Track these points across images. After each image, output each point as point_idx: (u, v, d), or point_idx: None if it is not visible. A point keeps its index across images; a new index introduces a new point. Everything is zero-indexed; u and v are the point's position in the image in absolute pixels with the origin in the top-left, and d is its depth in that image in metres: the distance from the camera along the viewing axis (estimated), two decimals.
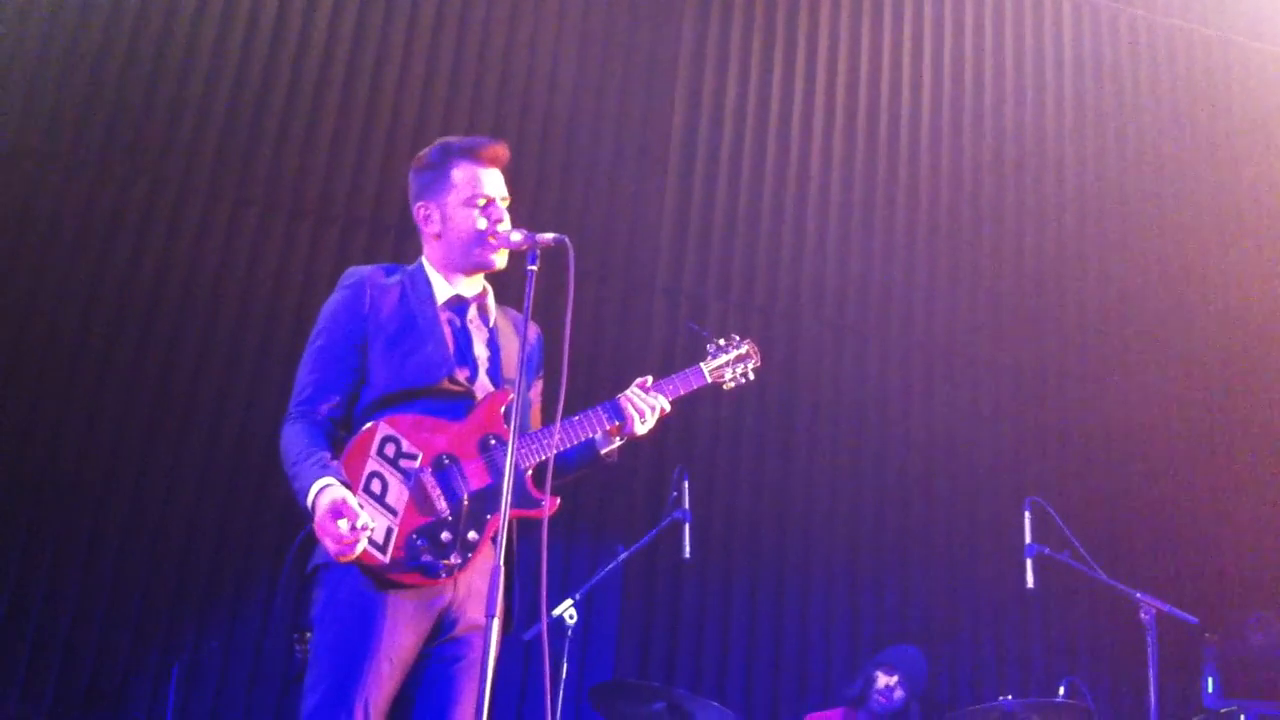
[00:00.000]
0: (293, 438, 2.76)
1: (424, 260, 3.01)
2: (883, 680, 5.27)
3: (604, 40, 6.63)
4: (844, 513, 6.43)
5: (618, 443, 2.99)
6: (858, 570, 6.38)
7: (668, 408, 2.99)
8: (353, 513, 2.56)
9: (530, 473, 2.83)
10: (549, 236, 2.75)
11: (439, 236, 2.97)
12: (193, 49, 5.97)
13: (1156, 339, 7.17)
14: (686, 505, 4.60)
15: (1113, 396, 7.01)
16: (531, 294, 2.68)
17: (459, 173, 2.95)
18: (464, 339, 2.93)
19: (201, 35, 6.00)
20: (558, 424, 2.78)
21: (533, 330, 3.05)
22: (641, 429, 2.94)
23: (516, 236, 2.82)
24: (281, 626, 5.32)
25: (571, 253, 2.67)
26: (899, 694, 5.25)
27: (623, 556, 4.63)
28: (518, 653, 5.45)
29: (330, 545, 2.57)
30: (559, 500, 2.78)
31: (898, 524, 6.48)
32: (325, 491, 2.59)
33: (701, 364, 3.16)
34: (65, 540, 5.33)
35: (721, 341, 3.22)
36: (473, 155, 2.97)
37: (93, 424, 5.49)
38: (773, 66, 6.92)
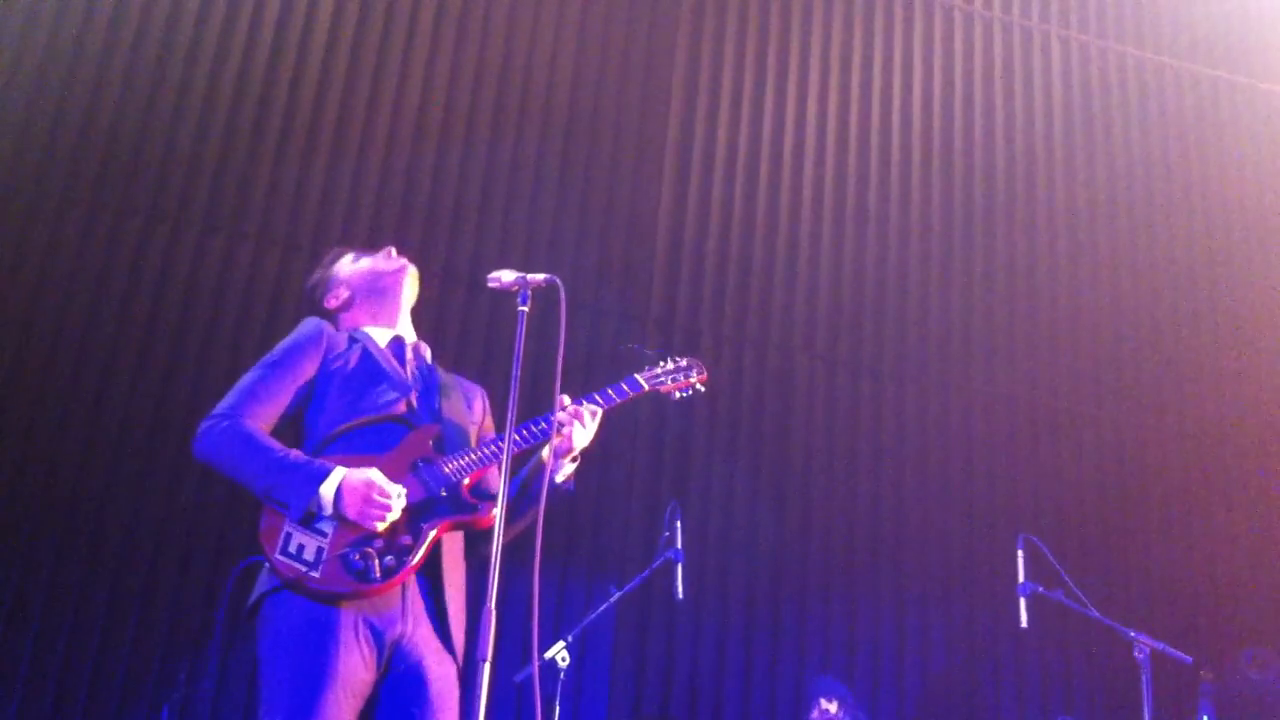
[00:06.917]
0: (241, 438, 2.75)
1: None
2: (816, 712, 5.20)
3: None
4: (838, 550, 6.40)
5: (570, 467, 2.97)
6: (853, 608, 6.33)
7: (599, 411, 2.97)
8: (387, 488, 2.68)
9: (467, 482, 2.82)
10: (540, 277, 2.77)
11: (351, 300, 3.12)
12: (185, 87, 6.03)
13: (1151, 376, 7.17)
14: (679, 544, 4.58)
15: (1106, 432, 7.00)
16: (523, 334, 2.68)
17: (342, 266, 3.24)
18: (410, 373, 3.00)
19: (195, 71, 6.06)
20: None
21: (478, 391, 3.15)
22: (583, 439, 2.93)
23: (509, 277, 2.83)
24: (233, 664, 5.29)
25: (563, 292, 2.68)
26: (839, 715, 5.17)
27: (615, 597, 4.59)
28: (509, 696, 5.39)
29: (375, 519, 2.66)
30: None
31: (892, 560, 6.45)
32: (353, 475, 2.67)
33: (637, 374, 3.15)
34: (57, 579, 5.29)
35: (665, 361, 3.22)
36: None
37: (85, 462, 5.46)
38: (763, 112, 6.97)
